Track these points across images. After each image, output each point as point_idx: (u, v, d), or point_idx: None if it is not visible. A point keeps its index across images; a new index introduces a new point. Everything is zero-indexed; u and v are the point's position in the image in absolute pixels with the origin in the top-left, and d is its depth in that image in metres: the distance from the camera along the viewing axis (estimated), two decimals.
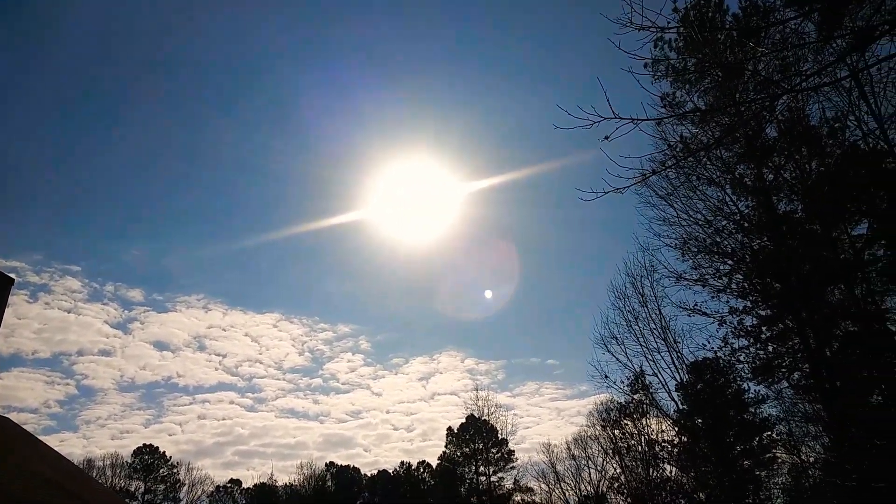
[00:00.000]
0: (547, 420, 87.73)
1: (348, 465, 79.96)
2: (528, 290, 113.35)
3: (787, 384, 20.96)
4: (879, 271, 17.87)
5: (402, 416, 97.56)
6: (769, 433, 29.32)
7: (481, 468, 62.73)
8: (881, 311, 17.92)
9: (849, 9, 9.70)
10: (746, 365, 21.45)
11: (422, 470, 75.14)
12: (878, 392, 18.14)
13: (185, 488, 73.06)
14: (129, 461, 70.96)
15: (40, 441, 20.64)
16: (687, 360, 25.36)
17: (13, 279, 11.99)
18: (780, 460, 29.05)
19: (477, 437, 63.53)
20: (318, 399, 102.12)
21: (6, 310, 13.00)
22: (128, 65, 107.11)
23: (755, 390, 27.72)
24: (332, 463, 78.16)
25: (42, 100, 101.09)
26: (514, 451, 62.62)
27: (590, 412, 56.52)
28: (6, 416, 21.24)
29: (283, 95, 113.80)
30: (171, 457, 73.71)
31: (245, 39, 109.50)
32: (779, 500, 30.32)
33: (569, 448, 49.62)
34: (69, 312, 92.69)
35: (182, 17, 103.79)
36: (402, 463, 77.43)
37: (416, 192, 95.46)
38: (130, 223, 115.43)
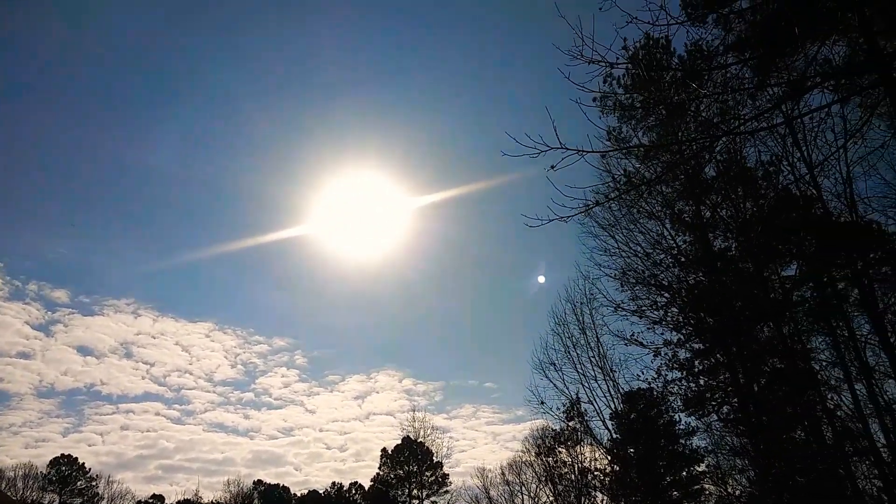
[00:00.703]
0: (482, 444, 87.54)
1: (277, 484, 77.94)
2: (470, 309, 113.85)
3: (716, 417, 21.43)
4: (806, 312, 18.59)
5: (335, 434, 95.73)
6: (698, 465, 29.92)
7: (415, 491, 62.04)
8: (806, 350, 18.61)
9: (782, 59, 10.14)
10: (678, 397, 21.88)
11: (353, 491, 73.78)
12: (800, 429, 18.76)
13: (104, 502, 69.72)
14: (44, 472, 67.31)
15: None
16: (622, 389, 25.68)
17: None
18: (707, 492, 29.64)
19: (412, 460, 62.87)
20: (248, 414, 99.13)
21: None
22: (75, 66, 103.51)
23: (686, 422, 28.32)
24: (260, 481, 76.04)
25: None
26: (448, 474, 62.27)
27: (525, 438, 56.74)
28: None
29: (226, 107, 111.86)
30: (90, 469, 70.32)
31: (188, 50, 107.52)
32: None
33: (503, 474, 49.56)
34: None
35: (126, 22, 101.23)
36: (334, 483, 75.88)
37: (361, 206, 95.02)
38: (58, 220, 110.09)
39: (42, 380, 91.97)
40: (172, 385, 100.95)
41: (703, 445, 26.83)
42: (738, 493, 24.40)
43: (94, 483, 69.62)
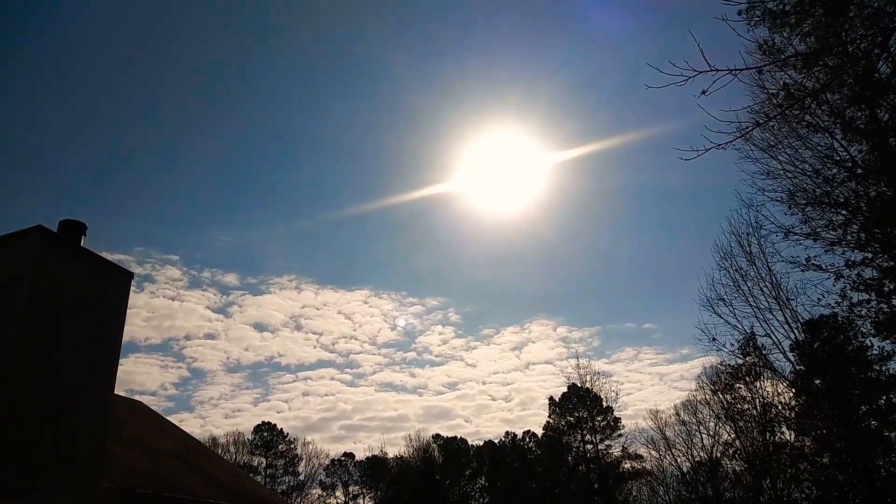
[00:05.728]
0: (649, 386, 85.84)
1: (455, 437, 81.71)
2: (618, 253, 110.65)
3: None
4: None
5: (498, 386, 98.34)
6: None
7: (587, 436, 62.45)
8: None
9: None
10: (868, 320, 20.24)
11: (527, 439, 75.68)
12: None
13: (303, 462, 77.25)
14: (250, 438, 75.73)
15: (167, 421, 22.44)
16: (802, 317, 24.18)
17: (132, 273, 12.84)
18: None
19: (580, 406, 63.20)
20: (414, 372, 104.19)
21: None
22: (219, 56, 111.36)
23: (879, 346, 26.18)
24: (438, 435, 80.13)
25: (132, 101, 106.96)
26: (619, 418, 61.91)
27: (698, 376, 55.01)
28: (136, 398, 23.25)
29: (368, 68, 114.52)
30: (287, 433, 78.01)
31: (332, 11, 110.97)
32: None
33: (677, 413, 48.44)
34: (173, 300, 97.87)
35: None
36: (507, 433, 78.24)
37: (503, 162, 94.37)
38: (216, 211, 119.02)
39: (228, 356, 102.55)
40: (341, 351, 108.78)
41: None
42: None
43: (292, 446, 77.36)
